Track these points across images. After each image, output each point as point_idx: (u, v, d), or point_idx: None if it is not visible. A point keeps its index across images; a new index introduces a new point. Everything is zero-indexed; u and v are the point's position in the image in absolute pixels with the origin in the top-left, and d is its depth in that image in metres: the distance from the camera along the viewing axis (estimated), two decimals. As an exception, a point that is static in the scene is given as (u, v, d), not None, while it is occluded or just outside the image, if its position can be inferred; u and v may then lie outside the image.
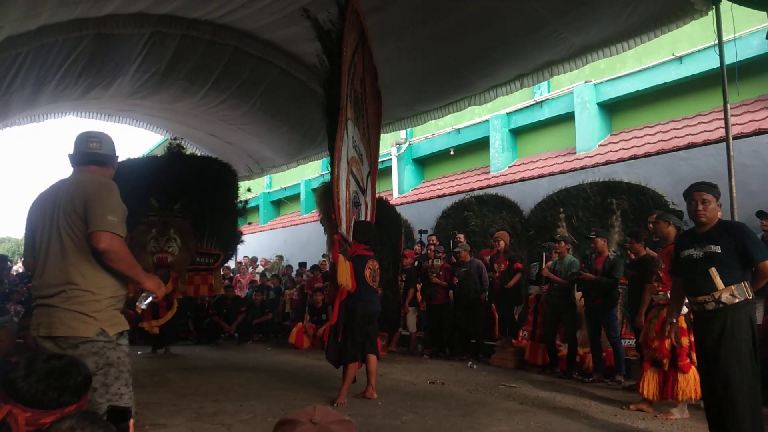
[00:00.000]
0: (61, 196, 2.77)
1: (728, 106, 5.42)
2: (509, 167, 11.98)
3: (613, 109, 10.69)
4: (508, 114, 12.13)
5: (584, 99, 10.54)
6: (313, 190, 16.05)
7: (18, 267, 16.59)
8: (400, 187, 14.64)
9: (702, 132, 8.54)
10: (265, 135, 10.85)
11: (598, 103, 10.52)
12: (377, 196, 7.78)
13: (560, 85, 10.94)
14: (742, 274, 3.60)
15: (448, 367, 7.79)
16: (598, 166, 9.59)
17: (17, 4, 5.38)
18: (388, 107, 8.04)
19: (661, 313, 4.96)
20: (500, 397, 5.83)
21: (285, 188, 19.73)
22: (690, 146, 8.40)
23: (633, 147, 9.49)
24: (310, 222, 15.99)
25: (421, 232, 10.60)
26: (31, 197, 2.88)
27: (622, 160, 9.30)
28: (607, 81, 10.34)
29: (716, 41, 5.47)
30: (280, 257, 16.78)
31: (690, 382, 4.81)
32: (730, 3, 5.32)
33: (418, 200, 13.33)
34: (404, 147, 14.62)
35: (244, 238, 9.88)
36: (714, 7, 5.48)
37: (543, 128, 11.83)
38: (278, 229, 19.11)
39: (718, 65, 5.53)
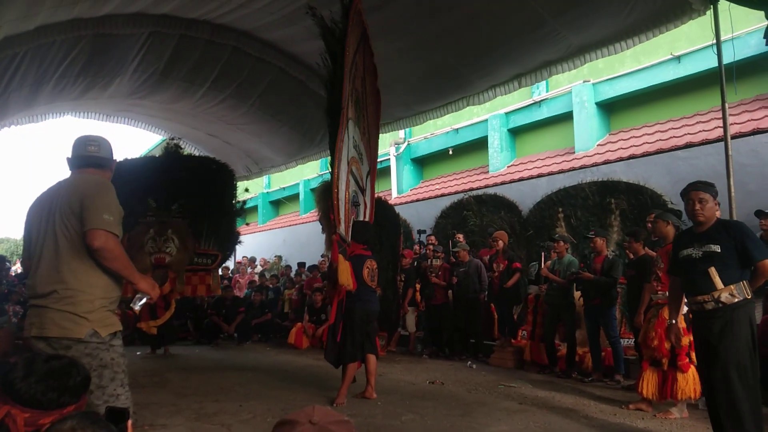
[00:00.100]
0: (58, 197, 2.78)
1: (726, 105, 5.43)
2: (508, 167, 11.98)
3: (611, 108, 10.70)
4: (506, 114, 12.14)
5: (583, 99, 10.55)
6: (312, 190, 16.06)
7: (17, 268, 16.57)
8: (399, 187, 14.64)
9: (700, 131, 8.55)
10: (264, 135, 10.84)
11: (596, 103, 10.52)
12: (376, 195, 7.77)
13: (559, 84, 10.94)
14: (740, 273, 3.59)
15: (448, 366, 7.79)
16: (596, 165, 9.59)
17: (15, 4, 5.38)
18: (386, 107, 8.04)
19: (660, 313, 4.96)
20: (499, 397, 5.83)
21: (284, 188, 19.72)
22: (688, 146, 8.41)
23: (631, 146, 9.50)
24: (309, 222, 15.99)
25: (419, 232, 10.61)
26: (31, 198, 2.89)
27: (621, 159, 9.31)
28: (606, 80, 10.35)
29: (714, 41, 5.48)
30: (279, 257, 16.78)
31: (689, 382, 4.81)
32: (728, 2, 5.32)
33: (417, 200, 13.33)
34: (403, 147, 14.62)
35: (242, 238, 9.86)
36: (712, 6, 5.49)
37: (541, 128, 11.83)
38: (277, 229, 19.10)
39: (717, 65, 5.53)
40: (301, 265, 12.54)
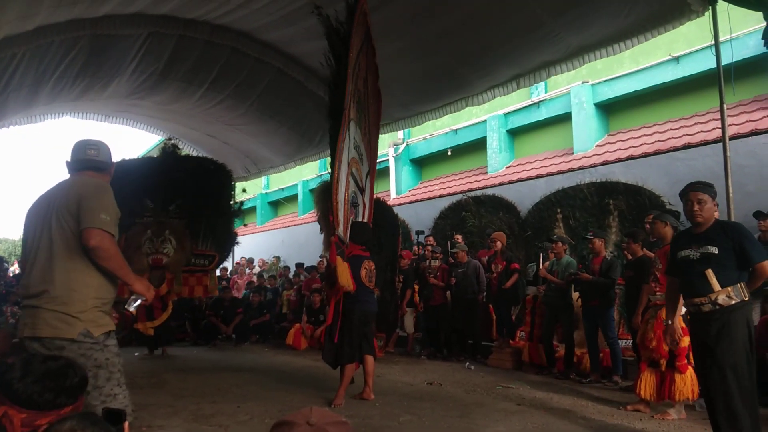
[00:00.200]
0: (56, 198, 2.79)
1: (725, 106, 5.44)
2: (506, 168, 11.99)
3: (610, 109, 10.71)
4: (505, 114, 12.15)
5: (581, 99, 10.56)
6: (311, 190, 16.06)
7: (15, 268, 16.55)
8: (398, 188, 14.64)
9: (699, 132, 8.56)
10: (262, 135, 10.84)
11: (595, 104, 10.54)
12: (375, 196, 7.77)
13: (557, 85, 10.96)
14: (738, 275, 3.59)
15: (446, 367, 7.79)
16: (595, 166, 9.60)
17: (15, 4, 5.38)
18: (385, 107, 8.03)
19: (659, 314, 4.96)
20: (497, 398, 5.83)
21: (282, 189, 19.73)
22: (687, 147, 8.42)
23: (630, 147, 9.51)
24: (308, 223, 15.98)
25: (418, 232, 10.61)
26: (29, 198, 2.90)
27: (619, 160, 9.32)
28: (604, 81, 10.36)
29: (713, 42, 5.49)
30: (278, 258, 16.77)
31: (687, 383, 4.81)
32: (727, 3, 5.33)
33: (416, 201, 13.34)
34: (402, 147, 14.63)
35: (241, 238, 9.85)
36: (710, 7, 5.49)
37: (540, 129, 11.85)
38: (276, 229, 19.10)
39: (715, 66, 5.54)
40: (299, 265, 12.54)
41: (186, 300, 9.66)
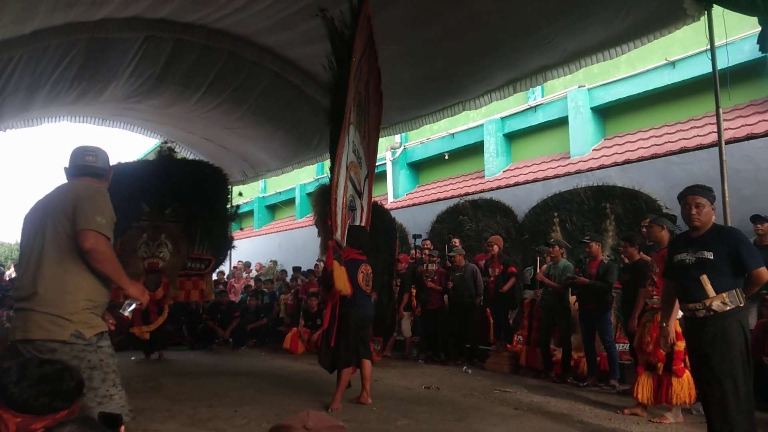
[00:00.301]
0: (53, 202, 2.79)
1: (720, 110, 5.45)
2: (503, 172, 12.01)
3: (606, 113, 10.74)
4: (502, 118, 12.16)
5: (578, 104, 10.58)
6: (308, 194, 16.05)
7: (11, 272, 16.49)
8: (395, 192, 14.64)
9: (695, 137, 8.59)
10: (259, 139, 10.84)
11: (591, 108, 10.56)
12: (372, 200, 7.76)
13: (554, 89, 10.98)
14: (734, 280, 3.57)
15: (443, 371, 7.78)
16: (591, 170, 9.62)
17: (11, 8, 5.37)
18: (383, 111, 8.05)
19: (655, 317, 4.96)
20: (495, 402, 5.82)
21: (280, 193, 19.71)
22: (683, 151, 8.44)
23: (626, 151, 9.54)
24: (305, 226, 15.96)
25: (415, 236, 10.61)
26: (26, 202, 2.91)
27: (616, 164, 9.34)
28: (601, 86, 10.39)
29: (708, 46, 5.51)
30: (275, 262, 16.74)
31: (684, 386, 4.82)
32: (722, 8, 5.36)
33: (413, 205, 13.34)
34: (399, 151, 14.63)
35: (238, 242, 9.84)
36: (706, 12, 5.52)
37: (537, 133, 11.86)
38: (273, 233, 19.08)
39: (711, 70, 5.56)
40: (296, 269, 12.51)
41: (183, 304, 9.64)
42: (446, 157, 13.52)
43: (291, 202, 19.23)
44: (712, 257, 3.59)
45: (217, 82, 8.76)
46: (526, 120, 11.82)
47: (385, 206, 11.36)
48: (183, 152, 11.83)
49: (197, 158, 11.44)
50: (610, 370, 6.63)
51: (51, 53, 7.01)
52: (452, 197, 12.04)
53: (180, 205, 8.13)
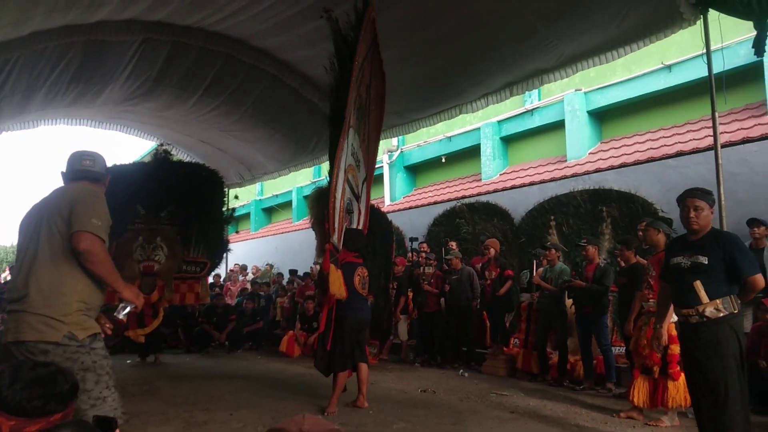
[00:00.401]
0: (49, 205, 2.80)
1: (716, 114, 5.47)
2: (500, 175, 12.03)
3: (603, 117, 10.77)
4: (499, 122, 12.20)
5: (574, 107, 10.61)
6: (305, 197, 16.04)
7: (6, 275, 16.45)
8: (392, 195, 14.66)
9: (691, 140, 8.61)
10: (257, 142, 10.82)
11: (588, 111, 10.59)
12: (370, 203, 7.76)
13: (551, 93, 11.01)
14: (728, 287, 3.55)
15: (440, 375, 7.77)
16: (588, 173, 9.65)
17: (8, 10, 5.36)
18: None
19: (651, 321, 4.96)
20: (491, 406, 5.82)
21: (276, 195, 19.70)
22: (679, 154, 8.47)
23: (623, 155, 9.56)
24: (302, 229, 15.96)
25: (412, 239, 10.61)
26: (22, 205, 2.90)
27: (612, 168, 9.37)
28: (597, 89, 10.43)
29: (704, 50, 5.53)
30: (271, 265, 16.73)
31: (680, 390, 4.81)
32: (718, 12, 5.38)
33: (410, 208, 13.35)
34: (396, 154, 14.66)
35: (234, 245, 9.81)
36: (702, 16, 5.54)
37: (534, 136, 11.90)
38: (269, 236, 19.06)
39: (707, 74, 5.58)
40: (293, 272, 12.50)
41: (179, 307, 9.61)
42: (443, 160, 13.55)
43: (288, 204, 19.24)
44: (706, 262, 3.57)
45: (214, 85, 8.75)
46: (523, 123, 11.85)
47: (382, 209, 11.37)
48: (179, 155, 11.81)
49: (194, 161, 11.42)
50: (606, 373, 6.63)
51: (48, 55, 7.00)
52: (449, 200, 12.05)
53: (176, 207, 8.08)
